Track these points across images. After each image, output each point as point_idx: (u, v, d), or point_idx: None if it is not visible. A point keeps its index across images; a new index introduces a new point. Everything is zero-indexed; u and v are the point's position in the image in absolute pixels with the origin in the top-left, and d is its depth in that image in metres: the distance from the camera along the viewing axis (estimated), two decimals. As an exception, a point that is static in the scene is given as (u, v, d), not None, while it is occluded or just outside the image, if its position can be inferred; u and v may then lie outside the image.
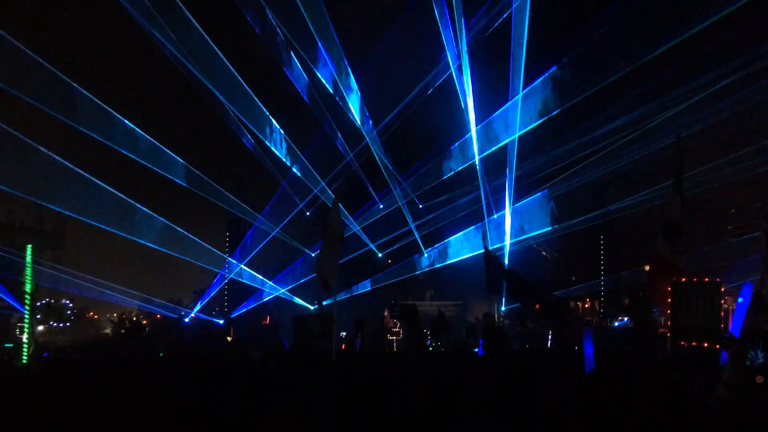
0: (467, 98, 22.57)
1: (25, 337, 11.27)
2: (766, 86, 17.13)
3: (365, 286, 27.80)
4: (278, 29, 22.03)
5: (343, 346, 11.75)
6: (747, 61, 16.99)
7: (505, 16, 20.66)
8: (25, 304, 10.11)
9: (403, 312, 3.21)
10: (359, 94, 24.37)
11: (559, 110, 22.16)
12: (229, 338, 23.16)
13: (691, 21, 16.96)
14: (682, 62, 18.28)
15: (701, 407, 1.80)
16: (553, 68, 21.97)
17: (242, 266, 26.84)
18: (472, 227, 26.33)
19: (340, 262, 8.86)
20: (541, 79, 22.18)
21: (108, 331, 30.86)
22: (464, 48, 21.45)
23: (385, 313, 22.89)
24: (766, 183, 20.47)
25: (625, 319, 28.19)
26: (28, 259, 9.87)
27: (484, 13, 21.64)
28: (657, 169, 20.63)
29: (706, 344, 5.32)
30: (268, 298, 27.56)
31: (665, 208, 6.88)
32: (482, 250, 24.76)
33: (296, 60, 23.09)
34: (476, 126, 23.40)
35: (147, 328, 24.48)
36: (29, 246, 10.36)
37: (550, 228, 26.35)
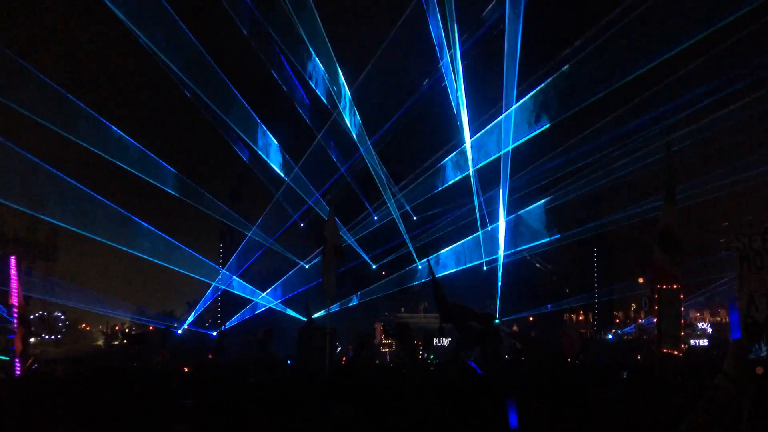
0: (461, 111, 22.68)
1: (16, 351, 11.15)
2: (758, 100, 17.28)
3: (359, 298, 27.72)
4: (275, 43, 22.11)
5: (344, 360, 11.72)
6: (742, 74, 17.16)
7: (497, 31, 20.81)
8: (12, 315, 9.97)
9: (395, 331, 3.18)
10: (354, 106, 24.44)
11: (552, 123, 22.29)
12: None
13: (684, 36, 17.12)
14: (675, 76, 18.44)
15: (697, 401, 1.81)
16: (546, 81, 22.11)
17: (235, 277, 26.71)
18: (467, 239, 26.36)
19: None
20: (534, 92, 22.33)
21: (100, 342, 30.64)
22: (458, 61, 21.57)
23: (379, 329, 22.75)
24: (758, 196, 20.60)
25: (619, 331, 28.23)
26: (13, 271, 9.74)
27: (478, 28, 21.80)
28: (649, 182, 20.75)
29: (675, 352, 5.35)
30: (261, 310, 27.40)
31: (661, 219, 6.87)
32: (477, 262, 24.62)
33: (292, 73, 23.15)
34: (470, 138, 23.49)
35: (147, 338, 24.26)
36: (13, 257, 10.21)
37: (544, 240, 26.40)
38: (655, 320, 6.34)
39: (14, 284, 9.78)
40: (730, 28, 15.91)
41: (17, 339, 9.45)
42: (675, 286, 5.68)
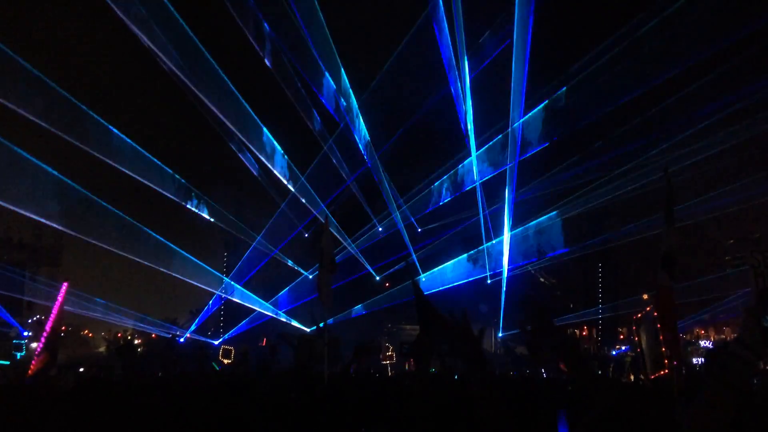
0: (468, 124, 22.69)
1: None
2: (761, 120, 17.24)
3: (362, 310, 27.67)
4: (283, 53, 22.24)
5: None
6: (744, 95, 17.12)
7: (504, 46, 20.87)
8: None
9: (413, 353, 3.01)
10: (361, 118, 24.51)
11: (559, 137, 22.29)
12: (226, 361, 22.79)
13: (688, 56, 17.13)
14: (680, 95, 18.41)
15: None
16: (552, 97, 22.13)
17: (238, 286, 26.71)
18: (472, 252, 26.31)
19: (334, 286, 8.84)
20: (540, 107, 22.35)
21: (102, 349, 30.66)
22: (466, 74, 21.61)
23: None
24: (763, 214, 20.50)
25: (623, 348, 28.00)
26: (60, 297, 9.46)
27: (486, 42, 21.87)
28: (655, 199, 20.64)
29: (662, 372, 5.35)
30: (264, 320, 27.36)
31: (664, 241, 6.74)
32: (481, 275, 24.37)
33: (299, 83, 23.26)
34: (476, 151, 23.51)
35: (140, 348, 24.22)
36: (65, 283, 9.88)
37: (549, 255, 26.30)
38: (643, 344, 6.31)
39: (55, 310, 9.42)
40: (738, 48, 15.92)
41: (37, 363, 9.07)
42: (655, 314, 5.68)
